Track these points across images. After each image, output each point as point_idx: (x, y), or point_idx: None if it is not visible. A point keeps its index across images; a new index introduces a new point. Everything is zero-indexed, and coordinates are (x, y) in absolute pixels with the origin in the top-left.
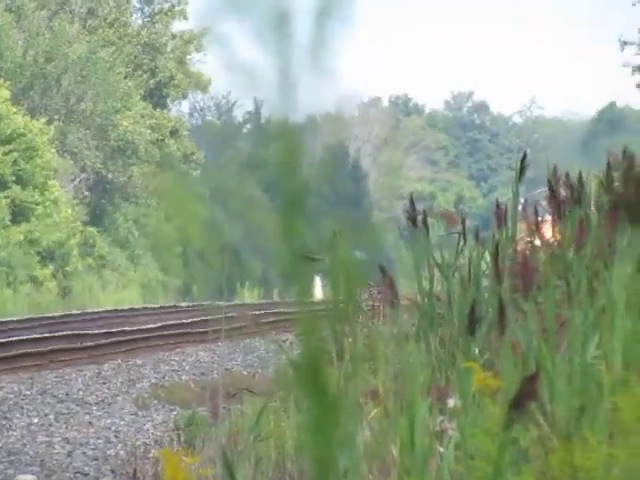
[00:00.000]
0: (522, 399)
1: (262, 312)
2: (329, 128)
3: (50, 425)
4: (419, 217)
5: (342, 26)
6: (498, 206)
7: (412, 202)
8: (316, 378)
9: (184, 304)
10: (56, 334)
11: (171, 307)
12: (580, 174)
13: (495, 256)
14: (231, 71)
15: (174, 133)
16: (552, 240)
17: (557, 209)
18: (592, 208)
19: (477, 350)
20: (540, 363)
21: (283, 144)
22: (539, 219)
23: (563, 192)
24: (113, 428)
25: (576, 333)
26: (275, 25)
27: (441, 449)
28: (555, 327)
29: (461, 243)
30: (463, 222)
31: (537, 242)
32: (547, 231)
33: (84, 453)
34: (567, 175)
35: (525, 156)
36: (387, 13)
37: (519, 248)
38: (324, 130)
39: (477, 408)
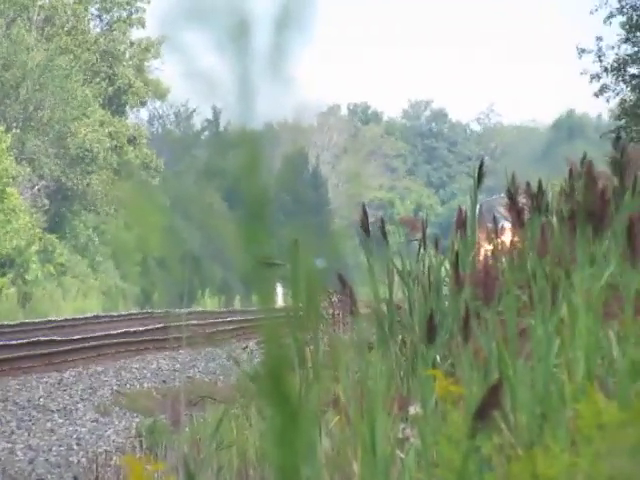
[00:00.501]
0: (486, 408)
1: (222, 320)
2: (288, 136)
3: (12, 432)
4: (378, 224)
5: (300, 35)
6: (460, 212)
7: (365, 211)
8: (278, 386)
9: (144, 311)
10: (16, 342)
11: (130, 314)
12: (540, 182)
13: (455, 264)
14: (190, 79)
15: (132, 141)
16: (512, 248)
17: (517, 217)
18: (553, 216)
19: (439, 357)
20: (502, 371)
21: (243, 152)
22: (498, 226)
23: (523, 200)
24: (75, 435)
25: (538, 341)
26: (234, 34)
27: (402, 456)
28: (516, 335)
29: (421, 251)
30: (423, 229)
31: (495, 249)
32: (505, 239)
33: (46, 460)
34: (528, 184)
35: (482, 163)
36: (345, 21)
37: (479, 256)
38: (283, 138)
39: (439, 415)
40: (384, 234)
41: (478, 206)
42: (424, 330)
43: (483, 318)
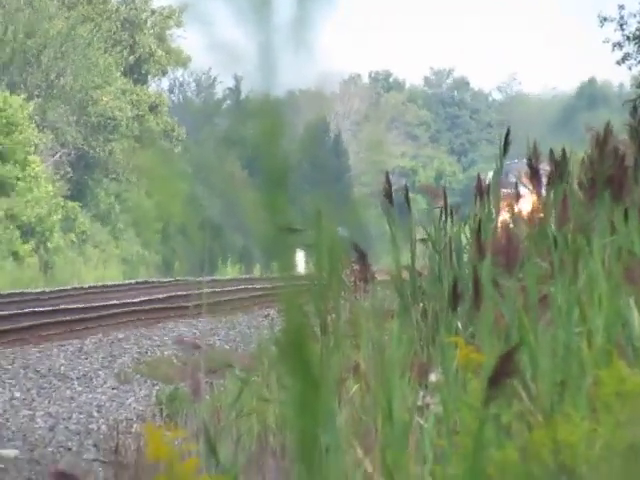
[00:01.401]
0: (500, 376)
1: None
2: (310, 104)
3: (32, 400)
4: (401, 193)
5: (323, 4)
6: (479, 180)
7: (388, 179)
8: (298, 354)
9: (165, 280)
10: (38, 309)
11: (152, 282)
12: (563, 150)
13: (476, 231)
14: (212, 49)
15: (154, 109)
16: (532, 215)
17: (538, 185)
18: (574, 184)
19: (460, 324)
20: (523, 338)
21: (263, 120)
22: (519, 193)
23: (546, 168)
24: (95, 403)
25: (558, 308)
26: (256, 3)
27: (423, 424)
28: (537, 303)
29: (442, 218)
30: (445, 197)
31: (514, 216)
32: (523, 206)
33: (66, 428)
34: (551, 151)
35: (509, 132)
36: None
37: (501, 224)
38: (304, 106)
39: (460, 382)
40: (408, 202)
41: (491, 172)
42: (448, 297)
43: (504, 286)
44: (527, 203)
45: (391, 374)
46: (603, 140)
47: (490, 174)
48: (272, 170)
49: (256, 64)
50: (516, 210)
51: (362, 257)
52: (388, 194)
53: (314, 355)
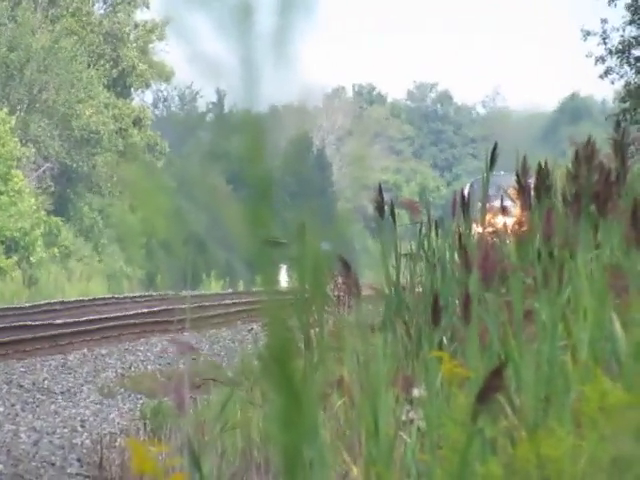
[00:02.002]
0: (488, 392)
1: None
2: (292, 118)
3: (16, 415)
4: (386, 207)
5: (305, 17)
6: (462, 194)
7: (380, 192)
8: (281, 368)
9: (148, 294)
10: (21, 324)
11: (136, 297)
12: (545, 164)
13: (464, 246)
14: (195, 62)
15: (137, 122)
16: (518, 229)
17: (526, 199)
18: (558, 198)
19: (445, 339)
20: (508, 354)
21: (247, 134)
22: (502, 206)
23: (528, 182)
24: (79, 417)
25: (542, 324)
26: (238, 16)
27: (407, 438)
28: (522, 318)
29: (424, 233)
30: (428, 212)
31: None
32: (500, 219)
33: (50, 442)
34: (539, 166)
35: (496, 146)
36: (350, 3)
37: (481, 238)
38: (287, 120)
39: (443, 397)
40: (393, 217)
41: (468, 184)
42: (429, 312)
43: (488, 300)
44: (508, 217)
45: (377, 389)
46: (588, 155)
47: (467, 186)
48: (256, 184)
49: (238, 78)
50: (499, 223)
51: (349, 271)
52: (380, 208)
53: (298, 369)
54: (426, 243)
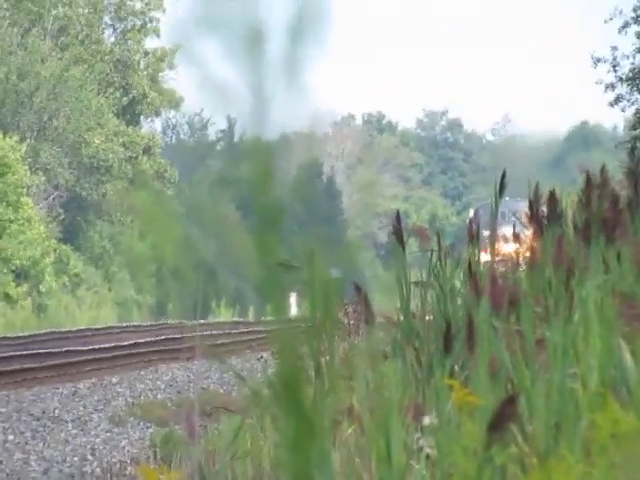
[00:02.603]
0: (501, 420)
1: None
2: (302, 146)
3: (26, 443)
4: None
5: (316, 45)
6: (471, 222)
7: (399, 217)
8: (292, 396)
9: (158, 322)
10: (32, 352)
11: (145, 326)
12: (554, 191)
13: (473, 274)
14: (205, 89)
15: (147, 150)
16: (529, 256)
17: (538, 226)
18: (569, 226)
19: (456, 367)
20: (519, 382)
21: (256, 162)
22: (514, 233)
23: (541, 210)
24: (89, 446)
25: (553, 351)
26: (248, 43)
27: (417, 466)
28: (534, 346)
29: (434, 260)
30: (439, 239)
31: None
32: (510, 247)
33: (60, 470)
34: (551, 193)
35: (505, 173)
36: (360, 32)
37: (492, 266)
38: (297, 148)
39: (454, 425)
40: (402, 244)
41: (473, 210)
42: (441, 340)
43: (499, 328)
44: (512, 244)
45: (389, 416)
46: (600, 182)
47: (471, 211)
48: (265, 212)
49: (248, 104)
50: (506, 250)
51: (364, 298)
52: (399, 234)
53: (308, 397)
54: (437, 271)
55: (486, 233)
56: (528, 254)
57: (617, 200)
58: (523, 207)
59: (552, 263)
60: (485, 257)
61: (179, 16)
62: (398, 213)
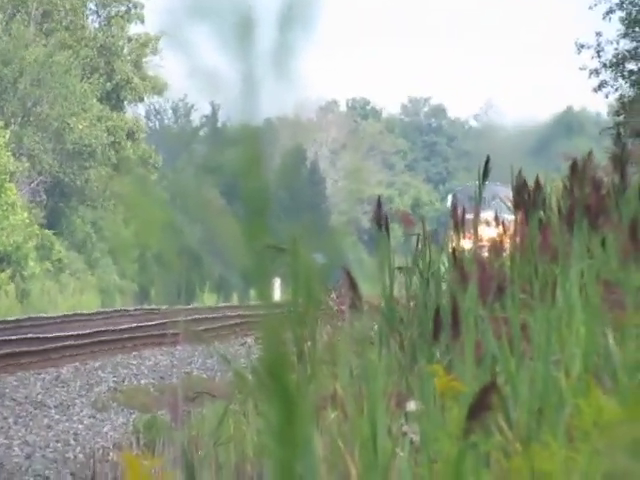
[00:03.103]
0: (481, 407)
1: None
2: (287, 132)
3: (9, 428)
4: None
5: (305, 32)
6: (456, 209)
7: (379, 204)
8: (276, 381)
9: (141, 307)
10: (15, 337)
11: (128, 311)
12: (537, 178)
13: (459, 260)
14: (194, 76)
15: (131, 136)
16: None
17: (524, 213)
18: (553, 212)
19: (438, 353)
20: (504, 368)
21: (243, 148)
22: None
23: (525, 196)
24: (72, 431)
25: (537, 337)
26: (238, 31)
27: (401, 453)
28: (519, 333)
29: (419, 246)
30: (424, 225)
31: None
32: (488, 232)
33: (43, 456)
34: (537, 180)
35: (488, 159)
36: (343, 18)
37: (479, 253)
38: (282, 134)
39: (439, 411)
40: (387, 230)
41: (451, 195)
42: (427, 326)
43: (481, 315)
44: (493, 229)
45: (374, 402)
46: (583, 168)
47: (450, 197)
48: (252, 197)
49: (237, 91)
50: (487, 235)
51: (351, 282)
52: (378, 220)
53: (292, 383)
54: (421, 257)
55: (467, 217)
56: (511, 240)
57: (600, 186)
58: (503, 192)
59: (538, 250)
60: (466, 242)
61: (168, 3)
62: (379, 199)
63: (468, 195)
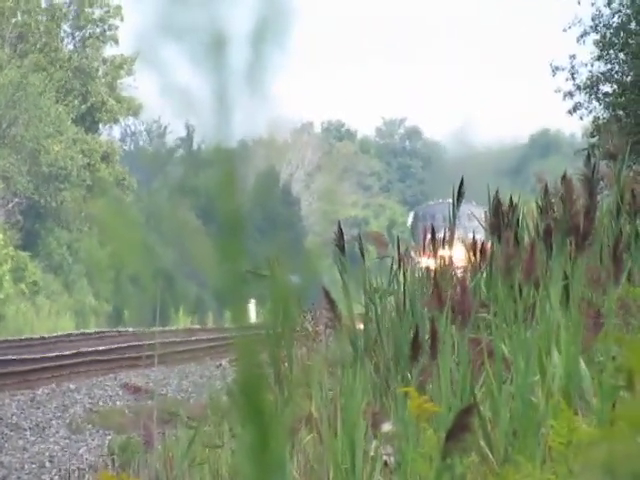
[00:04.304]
0: (459, 430)
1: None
2: (261, 153)
3: None
4: (353, 242)
5: (278, 51)
6: (432, 230)
7: (340, 229)
8: (251, 403)
9: (117, 329)
10: None
11: (103, 332)
12: (511, 198)
13: (435, 281)
14: (166, 96)
15: (106, 158)
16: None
17: (498, 233)
18: (529, 232)
19: (410, 375)
20: (488, 389)
21: (218, 169)
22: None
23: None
24: (47, 453)
25: (515, 359)
26: (211, 49)
27: (378, 476)
28: (501, 356)
29: (394, 268)
30: (398, 247)
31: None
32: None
33: (19, 478)
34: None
35: (462, 182)
36: (320, 40)
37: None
38: (257, 155)
39: (413, 432)
40: (362, 252)
41: (412, 213)
42: (402, 348)
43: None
44: (459, 250)
45: (352, 424)
46: (564, 190)
47: (411, 215)
48: (227, 219)
49: (210, 111)
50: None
51: (331, 303)
52: (341, 245)
53: (267, 404)
54: (395, 278)
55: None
56: (487, 260)
57: (590, 209)
58: (470, 210)
59: (523, 270)
60: (427, 261)
61: (141, 22)
62: (340, 225)
63: (430, 213)
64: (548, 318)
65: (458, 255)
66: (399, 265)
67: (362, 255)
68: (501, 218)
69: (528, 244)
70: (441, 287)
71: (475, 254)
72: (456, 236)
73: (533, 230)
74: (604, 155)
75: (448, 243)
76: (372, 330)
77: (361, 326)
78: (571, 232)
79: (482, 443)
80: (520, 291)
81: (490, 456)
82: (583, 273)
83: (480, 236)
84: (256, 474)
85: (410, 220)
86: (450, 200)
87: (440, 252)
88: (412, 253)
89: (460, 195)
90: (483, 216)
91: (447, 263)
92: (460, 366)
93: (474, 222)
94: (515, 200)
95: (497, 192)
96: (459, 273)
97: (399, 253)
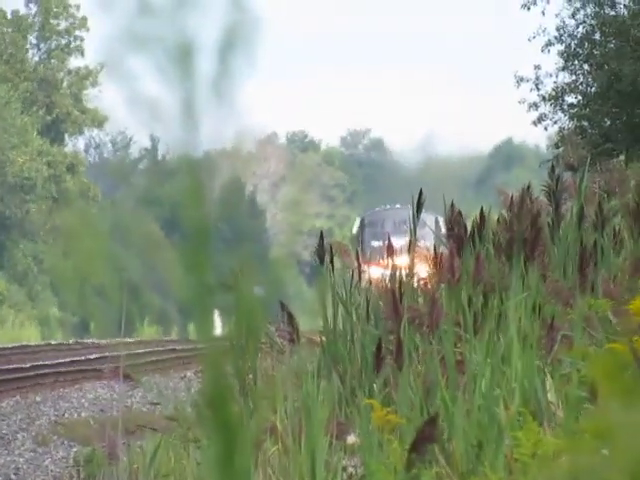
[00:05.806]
0: (423, 441)
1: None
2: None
3: None
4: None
5: (246, 61)
6: (389, 243)
7: (322, 238)
8: (216, 415)
9: (82, 341)
10: None
11: (69, 344)
12: (482, 211)
13: (392, 292)
14: (133, 106)
15: (71, 169)
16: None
17: (458, 246)
18: (489, 244)
19: (375, 387)
20: (442, 402)
21: (184, 179)
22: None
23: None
24: (13, 465)
25: (474, 372)
26: (177, 59)
27: None
28: (455, 366)
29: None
30: (358, 257)
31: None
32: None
33: None
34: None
35: (421, 193)
36: (284, 50)
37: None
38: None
39: (377, 444)
40: (332, 263)
41: (359, 220)
42: (366, 360)
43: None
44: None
45: (314, 435)
46: (521, 203)
47: (357, 221)
48: (192, 231)
49: (177, 121)
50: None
51: (289, 317)
52: (321, 255)
53: (232, 416)
54: (357, 290)
55: (375, 243)
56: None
57: (537, 219)
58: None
59: (472, 280)
60: (376, 270)
61: (107, 32)
62: (322, 234)
63: (380, 219)
64: (506, 330)
65: (405, 263)
66: (360, 276)
67: (332, 267)
68: (458, 229)
69: (481, 255)
70: (398, 298)
71: (435, 265)
72: (420, 244)
73: (492, 242)
74: (566, 166)
75: (408, 251)
76: (340, 341)
77: (323, 338)
78: (523, 244)
79: (439, 456)
80: (485, 302)
81: (449, 469)
82: (537, 284)
83: (429, 243)
84: None
85: (356, 227)
86: (399, 206)
87: (397, 261)
88: (356, 262)
89: (420, 206)
90: (434, 224)
91: (408, 273)
92: (419, 378)
93: (425, 229)
94: (480, 213)
95: (452, 203)
96: (420, 283)
97: (359, 264)
